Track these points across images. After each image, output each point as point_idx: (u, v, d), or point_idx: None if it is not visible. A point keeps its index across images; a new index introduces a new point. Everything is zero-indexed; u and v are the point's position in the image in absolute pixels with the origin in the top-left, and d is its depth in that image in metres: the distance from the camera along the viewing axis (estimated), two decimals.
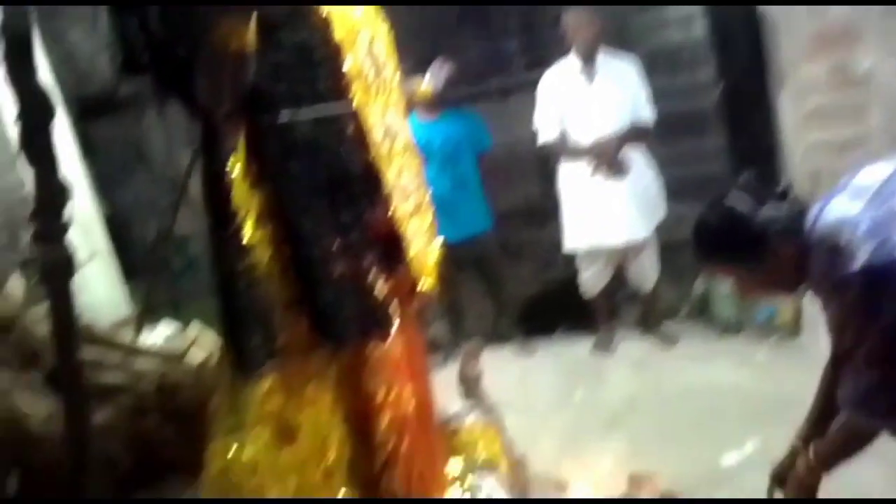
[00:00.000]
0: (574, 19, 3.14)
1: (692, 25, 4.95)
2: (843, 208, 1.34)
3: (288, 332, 1.60)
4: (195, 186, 3.29)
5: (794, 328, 3.30)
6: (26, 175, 2.93)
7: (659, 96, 3.32)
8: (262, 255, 1.52)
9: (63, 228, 1.43)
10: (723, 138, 4.89)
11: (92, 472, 1.51)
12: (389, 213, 1.72)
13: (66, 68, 3.90)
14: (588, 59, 3.17)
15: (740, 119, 4.74)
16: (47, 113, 1.39)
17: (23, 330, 1.92)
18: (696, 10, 4.89)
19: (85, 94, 4.17)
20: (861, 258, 1.26)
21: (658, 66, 4.85)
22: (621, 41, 4.74)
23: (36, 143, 1.40)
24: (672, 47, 5.01)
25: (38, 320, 1.91)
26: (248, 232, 1.48)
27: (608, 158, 3.13)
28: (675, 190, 3.55)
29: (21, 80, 1.37)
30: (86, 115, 4.11)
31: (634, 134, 3.20)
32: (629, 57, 3.33)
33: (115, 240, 3.69)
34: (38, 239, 1.40)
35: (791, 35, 2.78)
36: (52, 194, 1.41)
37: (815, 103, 2.83)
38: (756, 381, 3.00)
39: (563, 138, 3.24)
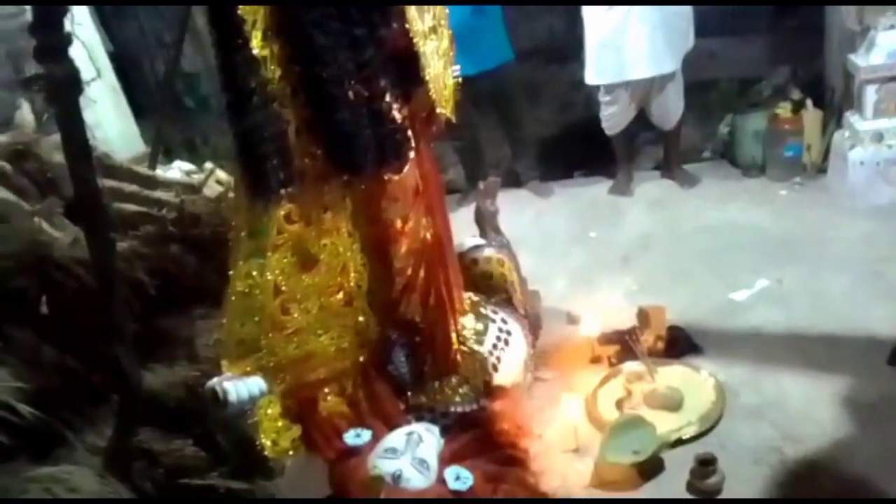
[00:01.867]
0: None
1: None
2: None
3: (302, 157, 1.56)
4: (201, 19, 3.11)
5: (819, 167, 3.22)
6: None
7: None
8: (273, 73, 1.44)
9: (65, 42, 1.36)
10: None
11: (119, 295, 1.55)
12: (405, 28, 1.62)
13: None
14: None
15: None
16: None
17: (37, 158, 1.91)
18: None
19: None
20: None
21: None
22: None
23: None
24: None
25: (53, 148, 1.88)
26: (256, 46, 1.39)
27: None
28: (707, 24, 3.33)
29: None
30: None
31: None
32: None
33: (123, 78, 3.58)
34: (41, 55, 1.33)
35: None
36: (51, 6, 1.32)
37: None
38: (775, 219, 2.98)
39: None
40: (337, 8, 1.47)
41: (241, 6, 1.35)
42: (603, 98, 3.25)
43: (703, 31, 3.22)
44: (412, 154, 1.75)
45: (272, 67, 1.45)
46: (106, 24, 3.98)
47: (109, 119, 3.25)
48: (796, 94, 3.25)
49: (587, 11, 3.10)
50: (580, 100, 4.08)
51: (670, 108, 3.21)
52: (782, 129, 3.21)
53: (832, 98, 3.26)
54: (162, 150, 2.94)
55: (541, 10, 4.70)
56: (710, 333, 2.33)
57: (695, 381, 2.10)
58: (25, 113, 2.22)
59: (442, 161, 3.12)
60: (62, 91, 1.39)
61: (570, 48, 3.81)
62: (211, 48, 1.46)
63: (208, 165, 2.70)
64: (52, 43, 1.39)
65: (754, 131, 3.33)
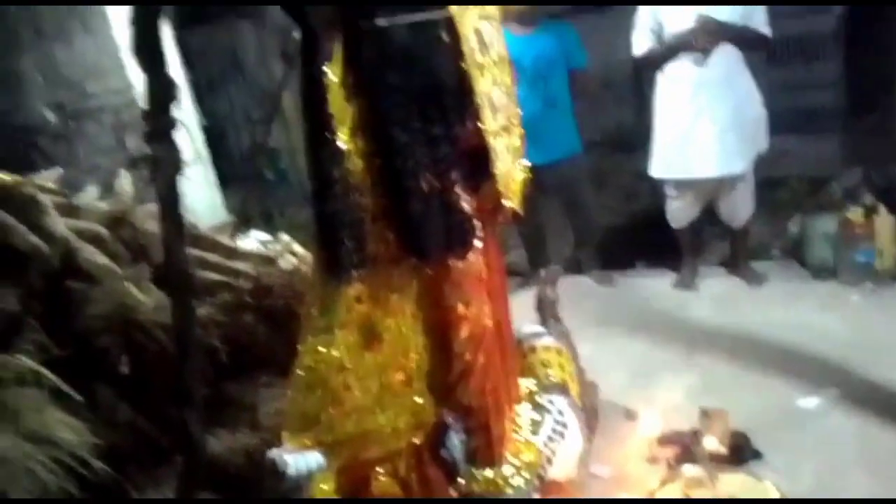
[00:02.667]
0: None
1: None
2: None
3: (376, 242, 1.66)
4: (287, 99, 3.36)
5: (894, 273, 3.12)
6: (133, 79, 3.08)
7: (771, 17, 3.04)
8: (356, 165, 1.56)
9: (172, 125, 1.51)
10: (837, 68, 4.54)
11: (194, 359, 1.64)
12: (478, 127, 1.72)
13: None
14: None
15: (859, 48, 4.36)
16: (157, 14, 1.45)
17: (132, 226, 2.07)
18: None
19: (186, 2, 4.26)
20: None
21: None
22: None
23: (148, 44, 1.47)
24: None
25: (147, 217, 2.05)
26: (343, 140, 1.51)
27: (710, 31, 2.88)
28: (780, 121, 3.34)
29: None
30: (185, 23, 4.22)
31: (748, 36, 2.95)
32: None
33: (211, 149, 3.85)
34: (150, 137, 1.48)
35: None
36: (162, 93, 1.49)
37: None
38: (845, 326, 2.88)
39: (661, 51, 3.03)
40: (419, 108, 1.58)
41: (330, 106, 1.48)
42: (669, 192, 3.27)
43: (775, 128, 3.22)
44: (478, 243, 1.81)
45: (355, 160, 1.56)
46: (200, 99, 4.33)
47: (197, 188, 3.49)
48: (868, 199, 3.19)
49: (659, 105, 3.16)
50: (645, 189, 4.12)
51: (739, 208, 3.19)
52: (854, 233, 3.14)
53: None
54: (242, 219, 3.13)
55: (610, 101, 4.83)
56: (775, 440, 2.24)
57: (757, 491, 2.01)
58: (124, 182, 2.42)
59: (505, 243, 3.19)
60: (165, 171, 1.54)
61: (638, 138, 3.87)
62: (293, 127, 1.59)
63: (284, 238, 2.85)
64: (161, 127, 1.55)
65: (824, 233, 3.27)
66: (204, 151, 3.56)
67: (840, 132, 4.39)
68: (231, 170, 4.33)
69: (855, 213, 3.18)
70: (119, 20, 3.07)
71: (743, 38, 2.95)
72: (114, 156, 3.12)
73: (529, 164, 1.98)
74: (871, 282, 3.14)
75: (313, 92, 1.51)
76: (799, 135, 4.15)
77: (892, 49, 3.39)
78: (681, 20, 2.95)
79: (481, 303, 1.91)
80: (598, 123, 4.65)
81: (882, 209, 3.17)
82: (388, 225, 1.67)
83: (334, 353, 1.67)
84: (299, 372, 1.69)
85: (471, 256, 1.82)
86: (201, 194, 3.51)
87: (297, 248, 2.78)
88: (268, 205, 4.40)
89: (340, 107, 1.52)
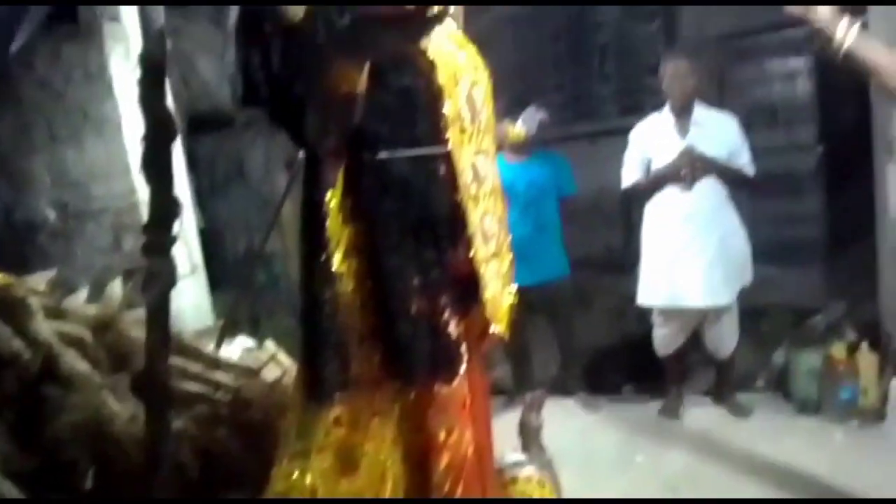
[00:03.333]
0: (672, 70, 3.09)
1: (795, 82, 4.85)
2: None
3: (361, 364, 1.65)
4: (287, 207, 3.43)
5: (878, 412, 3.10)
6: (137, 183, 3.17)
7: (755, 153, 3.20)
8: (347, 287, 1.58)
9: (171, 242, 1.54)
10: (819, 203, 4.73)
11: (164, 474, 1.59)
12: (470, 254, 1.76)
13: (183, 86, 4.19)
14: (683, 113, 3.11)
15: (840, 185, 4.56)
16: (171, 136, 1.52)
17: (118, 332, 2.06)
18: (800, 67, 4.78)
19: (196, 111, 4.45)
20: None
21: (756, 123, 4.76)
22: (720, 93, 4.69)
23: (158, 162, 1.53)
24: (772, 104, 4.91)
25: (133, 324, 2.04)
26: (337, 262, 1.55)
27: (694, 163, 3.00)
28: (763, 252, 3.43)
29: (152, 104, 1.50)
30: (193, 130, 4.39)
31: (732, 173, 3.08)
32: (727, 112, 3.25)
33: (205, 251, 3.90)
34: (148, 251, 1.51)
35: None
36: (165, 210, 1.53)
37: None
38: (830, 465, 2.82)
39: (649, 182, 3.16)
40: (413, 235, 1.63)
41: (328, 230, 1.52)
42: (656, 319, 3.31)
43: (759, 259, 3.30)
44: (463, 368, 1.81)
45: (347, 281, 1.59)
46: (201, 202, 4.42)
47: (187, 291, 3.49)
48: (851, 335, 3.23)
49: (646, 235, 3.25)
50: (633, 313, 4.14)
51: (724, 339, 3.22)
52: (837, 370, 3.15)
53: (889, 344, 3.23)
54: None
55: (599, 223, 4.96)
56: None
57: None
58: (115, 286, 2.43)
59: (491, 359, 3.17)
60: (158, 284, 1.56)
61: (626, 262, 3.95)
62: (290, 234, 1.63)
63: (270, 347, 2.83)
64: (159, 242, 1.58)
65: (809, 369, 3.27)
66: (200, 262, 3.60)
67: (823, 265, 4.50)
68: (224, 273, 4.35)
69: (838, 349, 3.20)
70: (131, 128, 3.19)
71: (728, 174, 3.08)
72: (110, 255, 3.15)
73: (518, 284, 2.02)
74: (856, 419, 3.11)
75: (313, 215, 1.56)
76: (782, 266, 4.25)
77: (870, 187, 3.54)
78: (668, 153, 3.09)
79: (463, 429, 1.87)
80: (587, 245, 4.76)
81: (864, 347, 3.19)
82: (374, 347, 1.67)
83: (307, 479, 1.62)
84: (271, 496, 1.63)
85: (456, 382, 1.81)
86: (190, 297, 3.52)
87: (283, 357, 2.76)
88: (257, 309, 4.40)
89: (337, 229, 1.57)
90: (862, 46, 1.64)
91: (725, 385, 3.39)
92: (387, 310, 1.64)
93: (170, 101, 1.75)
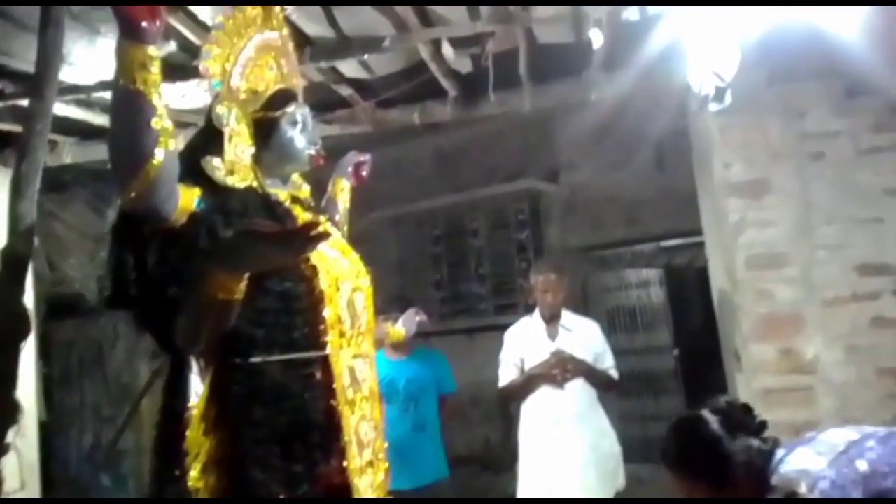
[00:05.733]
0: (542, 281, 3.34)
1: (650, 290, 5.37)
2: (807, 460, 1.41)
3: None
4: (147, 403, 3.16)
5: None
6: None
7: (618, 356, 3.42)
8: None
9: (3, 451, 1.37)
10: (679, 402, 5.03)
11: None
12: (343, 465, 1.68)
13: (48, 269, 3.98)
14: (552, 319, 3.33)
15: (696, 385, 4.91)
16: (21, 335, 1.41)
17: None
18: (653, 277, 5.33)
19: (58, 295, 4.19)
20: None
21: (616, 327, 5.14)
22: (584, 298, 5.08)
23: (3, 361, 1.40)
24: (631, 308, 5.37)
25: None
26: (193, 478, 1.42)
27: (566, 364, 3.15)
28: (633, 451, 3.52)
29: (8, 300, 1.40)
30: (52, 314, 4.10)
31: (600, 375, 3.24)
32: (591, 318, 3.51)
33: (45, 448, 3.45)
34: None
35: (744, 314, 2.98)
36: (2, 414, 1.37)
37: (766, 384, 2.94)
38: None
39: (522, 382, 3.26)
40: (282, 445, 1.54)
41: (187, 442, 1.41)
42: None
43: (630, 458, 3.38)
44: None
45: (202, 497, 1.45)
46: (48, 392, 4.00)
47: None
48: None
49: (522, 437, 3.27)
50: None
51: None
52: None
53: None
54: None
55: (478, 420, 4.96)
56: None
57: None
58: None
59: None
60: None
61: (505, 459, 3.91)
62: (147, 429, 1.48)
63: None
64: None
65: None
66: (36, 466, 3.17)
67: None
68: (64, 473, 3.85)
69: None
70: None
71: (596, 376, 3.25)
72: None
73: (396, 488, 1.92)
74: None
75: (172, 424, 1.45)
76: (649, 463, 4.36)
77: (724, 388, 3.84)
78: (540, 355, 3.24)
79: None
80: (467, 441, 4.71)
81: None
82: None
83: None
84: None
85: None
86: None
87: None
88: None
89: (197, 440, 1.46)
90: None
91: None
92: None
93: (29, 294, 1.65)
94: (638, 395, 4.85)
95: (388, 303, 3.16)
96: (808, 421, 2.72)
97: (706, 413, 1.57)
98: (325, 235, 1.34)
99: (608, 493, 3.15)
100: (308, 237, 1.31)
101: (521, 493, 3.24)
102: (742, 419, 1.56)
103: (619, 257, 5.41)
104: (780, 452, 1.49)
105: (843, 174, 2.91)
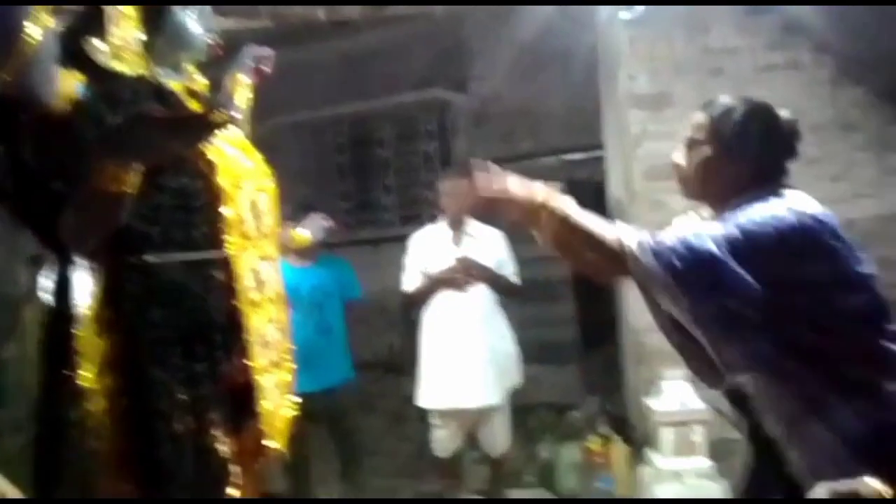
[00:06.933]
0: (448, 189, 3.35)
1: None
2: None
3: (104, 492, 1.44)
4: (30, 310, 2.97)
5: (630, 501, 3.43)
6: None
7: (518, 263, 3.53)
8: (97, 406, 1.39)
9: None
10: (571, 307, 5.32)
11: None
12: (246, 364, 1.67)
13: None
14: (457, 226, 3.37)
15: (588, 292, 5.19)
16: None
17: None
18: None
19: None
20: None
21: (518, 236, 5.28)
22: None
23: None
24: None
25: None
26: (86, 380, 1.36)
27: (470, 270, 3.24)
28: (527, 353, 3.72)
29: None
30: None
31: (502, 281, 3.35)
32: (495, 228, 3.57)
33: None
34: None
35: (638, 223, 3.11)
36: None
37: None
38: None
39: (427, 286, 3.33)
40: (182, 345, 1.50)
41: (76, 344, 1.35)
42: (434, 421, 3.38)
43: (524, 358, 3.56)
44: (234, 490, 1.67)
45: (98, 400, 1.40)
46: None
47: None
48: (604, 429, 3.59)
49: (424, 339, 3.36)
50: (413, 414, 4.20)
51: (498, 437, 3.37)
52: (594, 461, 3.46)
53: (634, 435, 3.63)
54: None
55: (383, 326, 5.04)
56: None
57: None
58: None
59: (265, 475, 2.96)
60: None
61: (407, 363, 4.02)
62: (31, 339, 1.41)
63: None
64: None
65: (570, 461, 3.55)
66: None
67: (579, 364, 5.01)
68: None
69: (594, 442, 3.52)
70: None
71: (498, 282, 3.36)
72: None
73: (301, 391, 1.94)
74: None
75: (61, 326, 1.38)
76: (544, 365, 4.65)
77: (612, 301, 4.09)
78: (444, 261, 3.30)
79: None
80: (371, 347, 4.80)
81: (616, 438, 3.55)
82: (128, 473, 1.48)
83: None
84: None
85: None
86: None
87: (5, 486, 2.30)
88: None
89: (90, 343, 1.39)
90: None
91: (499, 483, 3.52)
92: (146, 430, 1.47)
93: None
94: (536, 301, 5.07)
95: (293, 211, 3.09)
96: None
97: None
98: (222, 122, 1.27)
99: (505, 389, 3.33)
100: (205, 123, 1.23)
101: (421, 395, 3.36)
102: None
103: (523, 170, 5.47)
104: None
105: (741, 90, 3.02)
